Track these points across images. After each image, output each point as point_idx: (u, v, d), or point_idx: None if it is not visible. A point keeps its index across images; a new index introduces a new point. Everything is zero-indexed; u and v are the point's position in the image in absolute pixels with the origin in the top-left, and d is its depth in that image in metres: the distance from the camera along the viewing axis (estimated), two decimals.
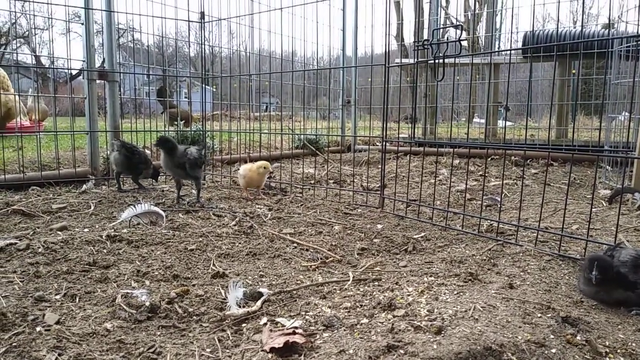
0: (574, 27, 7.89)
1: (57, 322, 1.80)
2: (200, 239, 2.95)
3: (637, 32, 3.90)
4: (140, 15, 5.08)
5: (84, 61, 4.69)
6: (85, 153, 5.07)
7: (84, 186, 4.42)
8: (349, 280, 2.30)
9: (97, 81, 4.83)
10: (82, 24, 4.65)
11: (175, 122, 7.05)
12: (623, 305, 2.01)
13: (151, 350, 1.64)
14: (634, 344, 1.67)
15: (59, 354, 1.57)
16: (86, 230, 3.06)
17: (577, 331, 1.74)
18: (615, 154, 4.94)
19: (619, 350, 1.62)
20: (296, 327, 1.76)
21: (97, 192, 4.28)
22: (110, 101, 4.89)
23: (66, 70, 5.44)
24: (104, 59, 4.88)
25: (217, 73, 7.62)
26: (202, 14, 5.37)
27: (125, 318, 1.86)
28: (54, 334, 1.69)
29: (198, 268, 2.48)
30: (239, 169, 4.44)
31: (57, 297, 2.04)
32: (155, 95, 9.18)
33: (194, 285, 2.23)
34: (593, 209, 2.93)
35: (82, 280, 2.24)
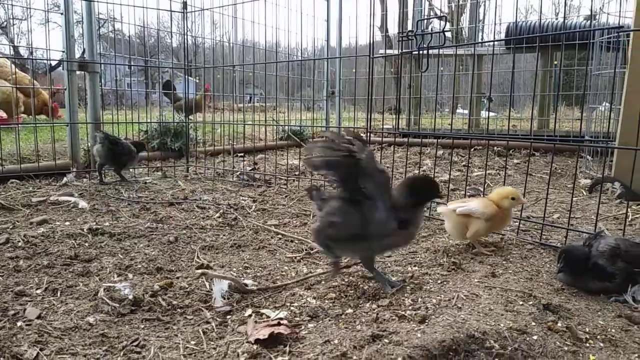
0: (556, 19, 7.96)
1: (39, 317, 1.77)
2: (184, 231, 2.93)
3: (618, 24, 3.94)
4: (121, 4, 5.00)
5: (63, 52, 4.61)
6: (66, 145, 4.99)
7: (65, 179, 4.35)
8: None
9: (77, 72, 4.74)
10: (62, 13, 4.55)
11: (182, 113, 7.00)
12: (602, 293, 2.04)
13: (135, 343, 1.62)
14: (613, 330, 1.70)
15: (41, 349, 1.55)
16: (67, 223, 3.02)
17: (558, 318, 1.77)
18: (596, 144, 5.01)
19: (598, 336, 1.65)
20: (281, 319, 1.76)
21: (78, 185, 4.22)
22: (91, 92, 4.81)
23: (45, 61, 5.33)
24: (84, 49, 4.79)
25: (200, 64, 7.54)
26: (185, 4, 5.30)
27: (108, 312, 1.84)
28: (35, 329, 1.67)
29: (182, 260, 2.46)
30: (462, 205, 2.57)
31: (38, 291, 2.01)
32: (162, 88, 9.07)
33: (177, 278, 2.21)
34: (574, 198, 2.98)
35: (63, 274, 2.21)
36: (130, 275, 2.22)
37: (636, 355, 1.53)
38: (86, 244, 2.62)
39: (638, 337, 1.65)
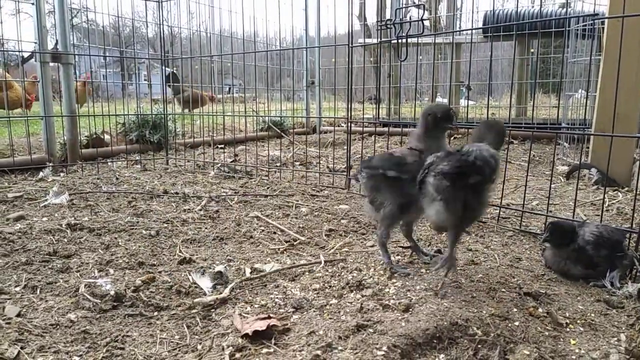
0: (533, 7, 8.04)
1: (18, 315, 1.74)
2: (165, 225, 2.90)
3: (593, 11, 4.00)
4: None
5: (35, 43, 4.49)
6: (41, 139, 4.89)
7: (41, 173, 4.26)
8: (319, 263, 2.30)
9: (51, 64, 4.63)
10: (33, 3, 4.43)
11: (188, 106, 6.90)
12: (582, 279, 2.08)
13: (118, 340, 1.61)
14: (592, 315, 1.73)
15: (22, 347, 1.52)
16: (45, 219, 2.96)
17: (539, 304, 1.80)
18: (573, 131, 5.09)
19: (578, 321, 1.68)
20: (269, 310, 1.76)
21: (55, 180, 4.14)
22: (65, 84, 4.71)
23: (17, 53, 5.19)
24: (57, 40, 4.68)
25: (177, 54, 7.43)
26: None
27: (90, 308, 1.82)
28: (15, 327, 1.63)
29: (164, 254, 2.43)
30: None
31: (17, 289, 1.97)
32: (167, 81, 8.87)
33: (160, 272, 2.19)
34: (552, 185, 3.02)
35: (42, 270, 2.17)
36: (112, 271, 2.19)
37: (615, 338, 1.57)
38: (65, 240, 2.57)
39: (617, 321, 1.69)
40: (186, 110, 8.68)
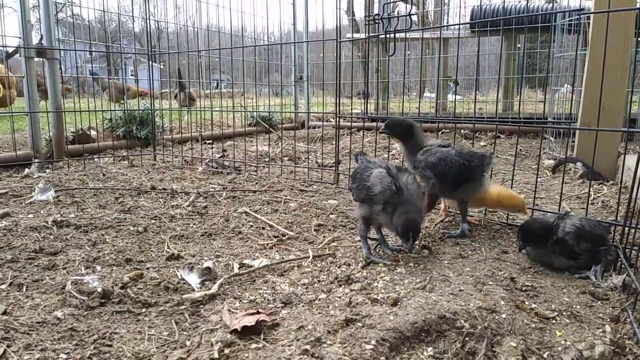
0: (519, 2, 8.09)
1: (4, 313, 1.72)
2: (153, 221, 2.88)
3: (579, 6, 4.03)
4: None
5: (20, 38, 4.42)
6: (26, 135, 4.83)
7: (27, 170, 4.21)
8: (308, 258, 2.30)
9: (36, 59, 4.57)
10: None
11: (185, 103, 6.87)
12: (567, 271, 2.11)
13: (105, 337, 1.60)
14: (578, 307, 1.76)
15: (8, 346, 1.51)
16: (30, 216, 2.93)
17: (526, 296, 1.82)
18: (559, 125, 5.13)
19: (564, 313, 1.70)
20: (258, 305, 1.76)
21: (41, 176, 4.10)
22: (51, 80, 4.65)
23: (1, 48, 5.11)
24: (41, 35, 4.62)
25: (164, 49, 7.36)
26: None
27: (77, 305, 1.80)
28: (1, 325, 1.62)
29: (152, 251, 2.42)
30: None
31: (3, 286, 1.95)
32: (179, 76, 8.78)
33: (148, 269, 2.18)
34: (538, 179, 3.05)
35: (28, 268, 2.15)
36: (99, 268, 2.17)
37: (600, 330, 1.59)
38: (51, 237, 2.55)
39: (602, 313, 1.72)
40: (178, 106, 8.62)
